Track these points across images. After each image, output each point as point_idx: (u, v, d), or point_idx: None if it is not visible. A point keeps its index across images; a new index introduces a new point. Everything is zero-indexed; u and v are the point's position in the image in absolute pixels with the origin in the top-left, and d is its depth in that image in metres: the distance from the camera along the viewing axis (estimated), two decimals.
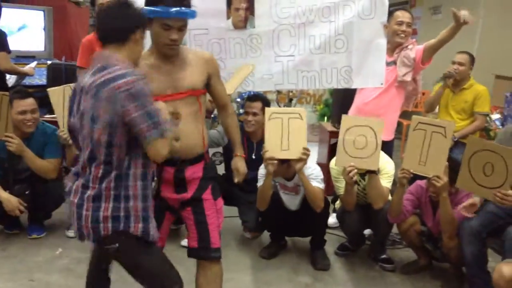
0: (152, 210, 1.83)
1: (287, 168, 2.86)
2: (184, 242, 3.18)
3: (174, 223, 3.35)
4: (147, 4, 1.95)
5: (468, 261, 2.62)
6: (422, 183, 2.85)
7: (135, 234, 1.75)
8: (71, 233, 3.26)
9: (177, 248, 3.18)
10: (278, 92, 5.21)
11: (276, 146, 2.76)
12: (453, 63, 3.76)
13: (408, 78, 3.25)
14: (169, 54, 2.03)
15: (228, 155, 3.41)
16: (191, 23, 3.37)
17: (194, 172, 2.10)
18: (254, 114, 3.25)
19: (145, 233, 1.77)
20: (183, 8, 1.94)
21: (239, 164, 2.31)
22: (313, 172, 2.89)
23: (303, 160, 2.75)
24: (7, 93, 2.94)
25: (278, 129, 2.77)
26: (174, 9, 1.90)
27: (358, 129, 2.74)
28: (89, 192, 1.70)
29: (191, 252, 2.18)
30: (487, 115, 3.79)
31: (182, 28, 1.99)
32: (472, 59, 3.77)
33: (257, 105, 3.26)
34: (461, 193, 2.75)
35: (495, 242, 2.66)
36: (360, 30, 3.20)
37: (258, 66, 3.27)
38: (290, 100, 5.38)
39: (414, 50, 3.25)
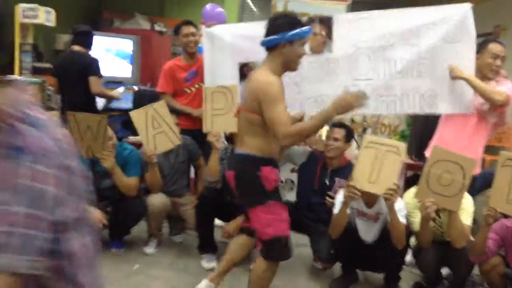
0: None
1: (371, 195, 2.81)
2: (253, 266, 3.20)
3: None
4: (286, 28, 2.32)
5: None
6: (508, 222, 2.69)
7: None
8: (149, 249, 3.39)
9: (246, 272, 3.19)
10: (353, 121, 5.17)
11: (363, 176, 2.67)
12: None
13: (486, 106, 3.07)
14: (296, 69, 2.45)
15: (300, 176, 3.43)
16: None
17: None
18: (336, 139, 3.23)
19: None
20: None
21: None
22: (396, 206, 2.78)
23: (389, 198, 2.65)
24: (105, 116, 3.16)
25: (370, 160, 2.68)
26: (307, 28, 2.37)
27: (447, 164, 2.61)
28: None
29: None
30: None
31: (304, 44, 2.41)
32: None
33: (341, 131, 3.24)
34: None
35: None
36: (446, 54, 3.06)
37: (335, 91, 3.26)
38: (364, 129, 5.30)
39: (501, 83, 3.09)
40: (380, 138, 2.90)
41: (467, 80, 2.99)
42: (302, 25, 2.34)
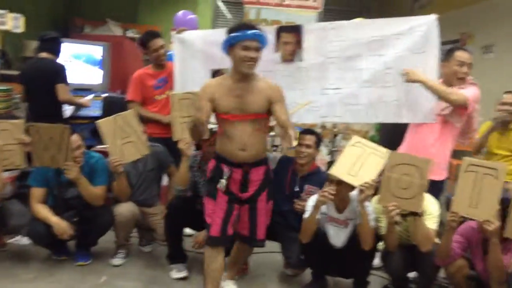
0: None
1: (342, 200, 2.87)
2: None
3: None
4: (229, 33, 2.53)
5: None
6: (473, 224, 2.74)
7: None
8: (116, 260, 3.34)
9: None
10: (323, 127, 5.21)
11: (344, 167, 2.79)
12: (503, 104, 3.63)
13: (447, 111, 3.14)
14: (245, 72, 2.56)
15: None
16: None
17: (257, 175, 2.68)
18: (308, 146, 3.25)
19: None
20: (260, 33, 2.53)
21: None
22: (369, 211, 2.84)
23: (364, 190, 2.72)
24: (68, 126, 3.11)
25: (354, 156, 2.82)
26: (250, 31, 2.49)
27: (404, 168, 2.68)
28: None
29: (241, 238, 2.84)
30: None
31: (257, 49, 2.53)
32: None
33: (312, 138, 3.28)
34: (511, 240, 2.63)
35: None
36: (411, 64, 3.12)
37: (305, 99, 3.30)
38: (335, 136, 5.35)
39: (464, 87, 3.15)
40: (367, 141, 2.97)
41: (422, 82, 3.01)
42: (245, 29, 2.50)
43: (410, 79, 3.04)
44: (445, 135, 3.24)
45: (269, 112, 2.64)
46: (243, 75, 2.58)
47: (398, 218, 2.73)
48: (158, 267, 3.35)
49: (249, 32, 2.50)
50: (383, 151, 2.81)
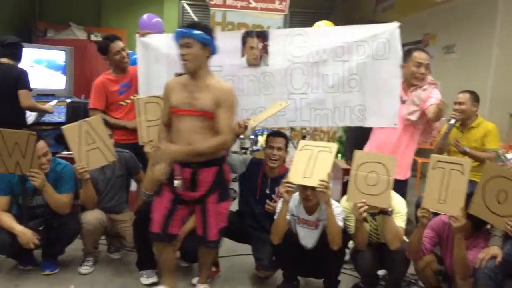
0: None
1: (311, 200, 2.89)
2: (195, 280, 3.16)
3: (186, 260, 3.36)
4: None
5: None
6: (445, 218, 2.79)
7: None
8: (84, 269, 3.27)
9: (187, 285, 3.16)
10: (292, 129, 5.25)
11: (298, 172, 2.81)
12: (455, 103, 3.76)
13: (413, 117, 3.23)
14: (184, 70, 2.65)
15: (241, 185, 3.43)
16: None
17: (206, 176, 2.70)
18: (279, 148, 3.25)
19: None
20: (186, 29, 2.61)
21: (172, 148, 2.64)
22: (335, 210, 2.88)
23: (323, 191, 2.75)
24: (34, 132, 3.02)
25: (305, 159, 2.84)
26: (177, 30, 2.62)
27: (371, 166, 2.74)
28: None
29: (197, 238, 2.89)
30: (496, 152, 3.71)
31: (187, 45, 2.59)
32: (474, 96, 3.74)
33: (282, 140, 3.28)
34: (479, 237, 2.71)
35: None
36: (374, 70, 3.24)
37: (272, 103, 3.32)
38: (304, 137, 5.40)
39: (428, 91, 3.24)
40: (313, 142, 3.09)
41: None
42: (178, 29, 2.66)
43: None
44: (407, 135, 3.32)
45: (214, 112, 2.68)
46: (190, 73, 2.68)
47: (366, 215, 2.78)
48: (128, 274, 3.30)
49: (177, 31, 2.65)
50: (330, 145, 2.89)
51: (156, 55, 3.49)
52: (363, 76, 3.26)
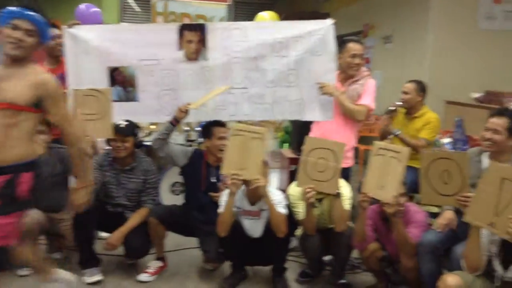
0: None
1: (253, 192, 2.89)
2: (141, 277, 3.11)
3: (130, 257, 3.30)
4: None
5: (424, 279, 2.67)
6: (375, 206, 2.90)
7: None
8: (23, 271, 3.12)
9: (134, 283, 3.10)
10: (239, 120, 5.24)
11: (232, 163, 2.78)
12: (402, 92, 3.88)
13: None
14: (9, 53, 2.18)
15: (185, 178, 3.38)
16: (140, 53, 3.38)
17: None
18: (225, 138, 3.22)
19: None
20: (22, 10, 2.21)
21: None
22: (276, 198, 2.91)
23: (260, 184, 2.76)
24: None
25: (238, 147, 2.80)
26: (20, 9, 2.20)
27: (320, 152, 2.79)
28: None
29: None
30: (429, 143, 3.82)
31: (27, 32, 2.20)
32: (420, 86, 3.84)
33: (226, 130, 3.26)
34: (409, 211, 2.82)
35: (448, 261, 2.71)
36: (311, 65, 3.31)
37: (213, 98, 3.30)
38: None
39: (364, 86, 3.37)
40: (245, 125, 3.00)
41: (336, 98, 3.29)
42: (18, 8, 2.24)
43: (326, 92, 3.27)
44: (347, 125, 3.43)
45: (38, 107, 2.24)
46: (11, 58, 2.21)
47: (314, 200, 2.83)
48: (70, 273, 3.17)
49: (10, 10, 2.21)
50: (262, 131, 2.86)
51: (85, 48, 3.30)
52: (301, 71, 3.33)
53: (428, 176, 2.54)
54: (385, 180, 2.63)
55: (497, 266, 2.23)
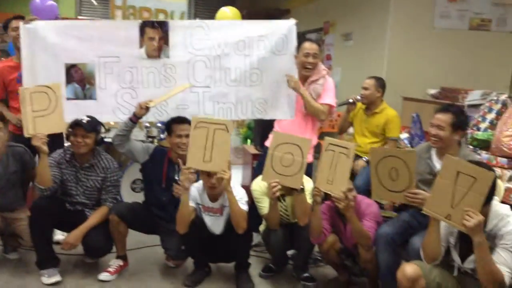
0: None
1: (214, 188, 2.87)
2: (101, 276, 3.05)
3: (90, 256, 3.23)
4: None
5: (382, 270, 2.74)
6: (329, 202, 2.95)
7: None
8: None
9: (94, 282, 3.03)
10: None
11: (197, 156, 2.74)
12: (362, 88, 3.96)
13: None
14: None
15: (145, 175, 3.33)
16: (100, 49, 3.32)
17: None
18: (188, 136, 3.14)
19: None
20: None
21: None
22: (237, 194, 2.91)
23: (224, 177, 2.74)
24: None
25: (202, 139, 2.76)
26: None
27: (287, 147, 2.81)
28: None
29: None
30: (397, 139, 3.95)
31: None
32: (379, 83, 3.92)
33: (187, 127, 3.17)
34: (362, 204, 2.89)
35: (406, 252, 2.80)
36: (273, 65, 3.34)
37: (174, 96, 3.26)
38: None
39: (324, 85, 3.42)
40: (207, 117, 2.98)
41: (301, 95, 3.33)
42: None
43: (293, 87, 3.29)
44: (308, 123, 3.48)
45: None
46: None
47: (279, 194, 2.86)
48: (27, 274, 3.08)
49: None
50: (226, 122, 2.83)
51: (43, 44, 3.20)
52: (264, 70, 3.35)
53: (377, 173, 2.62)
54: (334, 175, 2.69)
55: (455, 257, 2.31)
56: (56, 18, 4.89)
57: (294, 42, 3.33)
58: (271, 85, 3.37)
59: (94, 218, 3.05)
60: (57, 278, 2.97)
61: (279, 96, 3.39)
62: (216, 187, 2.88)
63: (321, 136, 4.12)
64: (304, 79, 3.42)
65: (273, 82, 3.36)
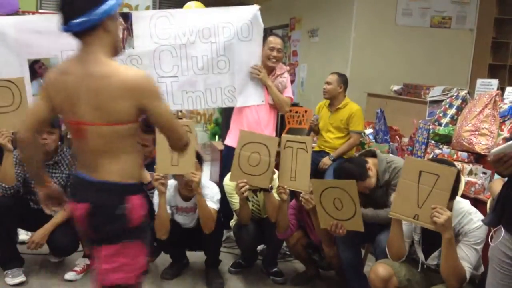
0: None
1: (186, 188, 2.85)
2: (68, 276, 3.00)
3: (56, 255, 3.16)
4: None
5: (345, 267, 2.80)
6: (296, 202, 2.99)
7: None
8: None
9: (60, 282, 2.98)
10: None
11: (166, 162, 2.69)
12: (325, 83, 4.03)
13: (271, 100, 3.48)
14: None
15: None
16: (62, 43, 3.23)
17: None
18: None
19: None
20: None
21: None
22: (208, 192, 2.90)
23: (194, 179, 2.73)
24: None
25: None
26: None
27: (254, 146, 2.79)
28: None
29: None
30: (361, 133, 4.04)
31: None
32: (342, 79, 3.98)
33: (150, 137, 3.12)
34: None
35: (373, 247, 2.86)
36: (240, 51, 3.35)
37: None
38: (180, 119, 5.36)
39: (288, 80, 3.54)
40: None
41: (268, 87, 3.41)
42: None
43: (260, 78, 3.37)
44: (270, 115, 3.52)
45: None
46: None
47: (247, 194, 2.85)
48: None
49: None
50: (187, 122, 2.78)
51: (3, 40, 3.10)
52: (231, 57, 3.35)
53: (322, 203, 2.58)
54: (296, 171, 2.73)
55: (420, 254, 2.37)
56: (17, 12, 4.73)
57: (260, 27, 3.35)
58: (239, 71, 3.37)
59: (59, 216, 2.98)
60: (21, 278, 2.90)
61: (248, 82, 3.41)
62: (189, 190, 2.85)
63: (290, 132, 4.17)
64: (268, 72, 3.45)
65: (241, 68, 3.37)
